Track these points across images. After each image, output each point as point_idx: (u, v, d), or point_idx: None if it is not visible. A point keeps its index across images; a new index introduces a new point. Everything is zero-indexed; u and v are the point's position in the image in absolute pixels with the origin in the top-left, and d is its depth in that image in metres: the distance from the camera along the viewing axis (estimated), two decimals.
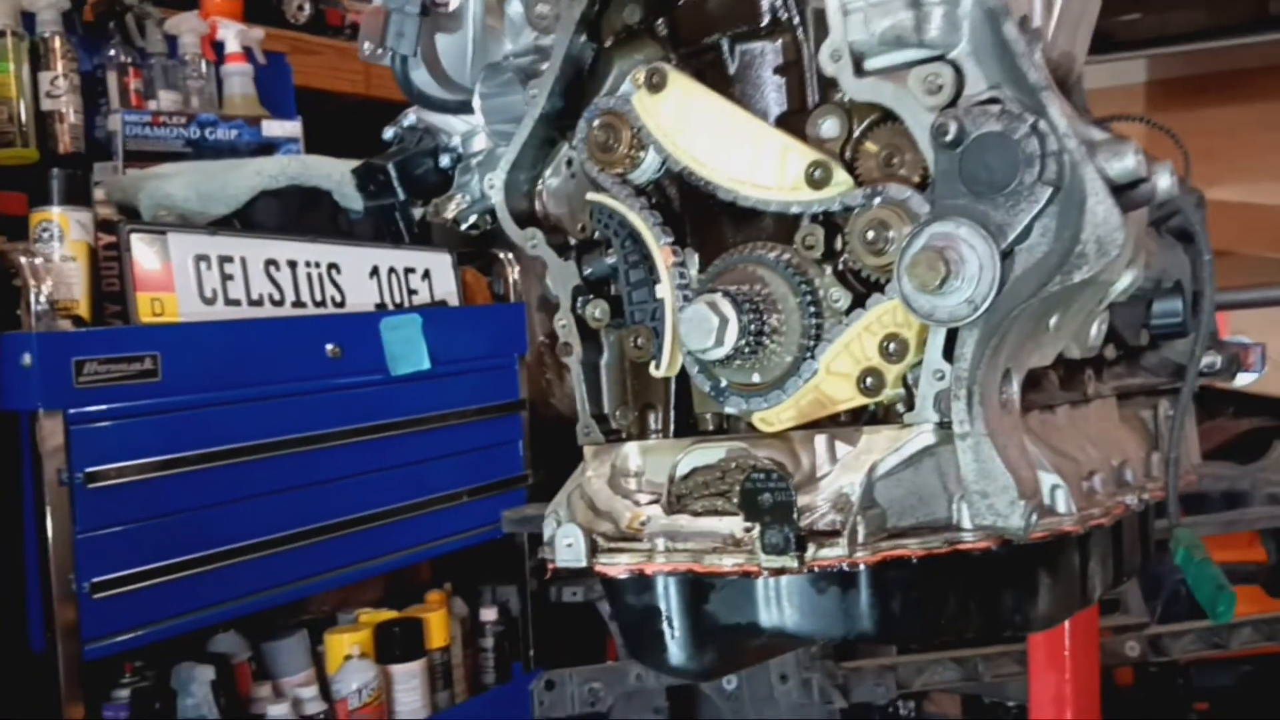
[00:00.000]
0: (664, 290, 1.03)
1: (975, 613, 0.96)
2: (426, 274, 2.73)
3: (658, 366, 1.05)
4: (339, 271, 2.51)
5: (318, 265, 2.47)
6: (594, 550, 0.99)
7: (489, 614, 2.99)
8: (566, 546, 0.99)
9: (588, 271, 1.10)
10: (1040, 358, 0.95)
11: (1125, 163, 0.81)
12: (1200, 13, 3.80)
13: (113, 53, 2.75)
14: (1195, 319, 1.25)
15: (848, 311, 0.94)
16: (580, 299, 1.10)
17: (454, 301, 2.81)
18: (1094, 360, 1.14)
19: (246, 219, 2.47)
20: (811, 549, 0.88)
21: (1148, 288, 1.19)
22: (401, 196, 1.22)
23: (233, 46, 2.93)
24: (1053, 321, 0.93)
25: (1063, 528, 0.94)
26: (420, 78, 1.20)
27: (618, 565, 0.98)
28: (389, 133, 1.27)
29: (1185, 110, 3.93)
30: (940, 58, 0.87)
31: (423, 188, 1.23)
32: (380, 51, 1.16)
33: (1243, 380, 1.36)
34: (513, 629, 3.04)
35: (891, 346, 0.92)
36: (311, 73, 3.34)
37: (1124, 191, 0.83)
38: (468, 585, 3.09)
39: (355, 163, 1.28)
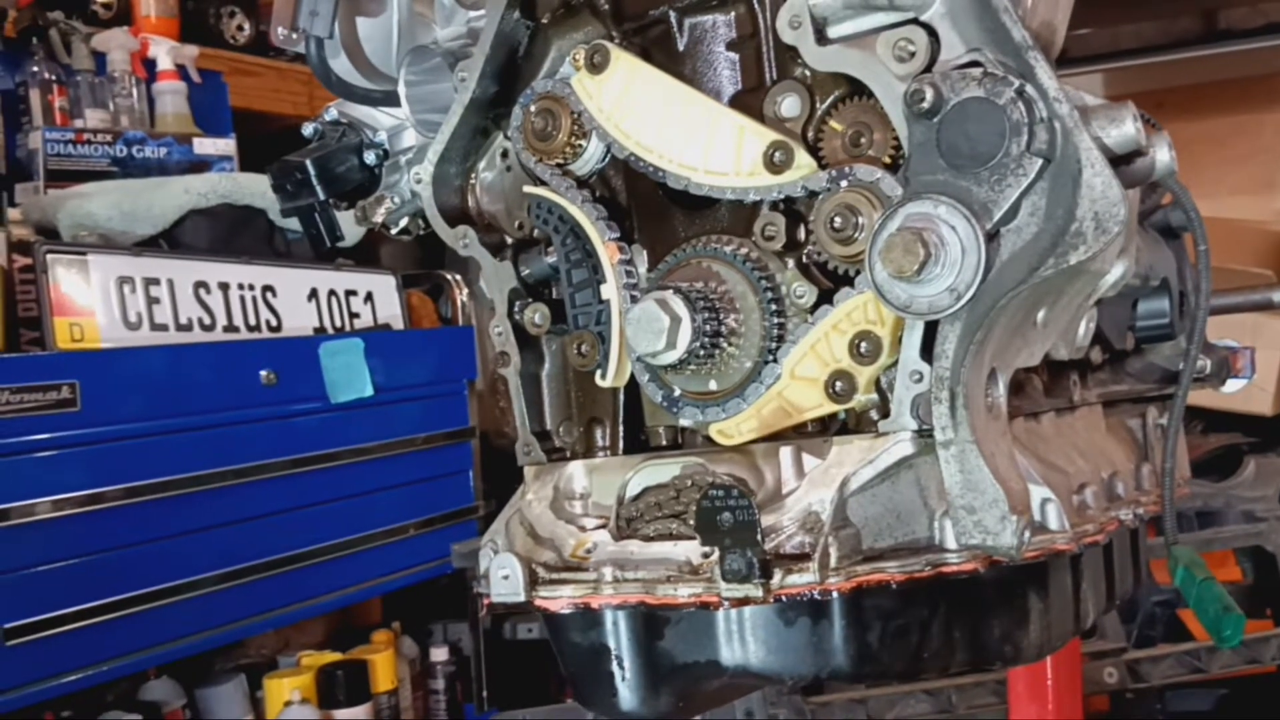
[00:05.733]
0: (609, 291, 0.94)
1: (961, 644, 0.87)
2: (369, 297, 2.62)
3: (604, 376, 0.96)
4: (274, 294, 2.39)
5: (251, 288, 2.35)
6: (534, 582, 0.89)
7: (440, 654, 2.89)
8: (502, 579, 0.89)
9: (526, 272, 1.01)
10: (1027, 357, 0.86)
11: (1125, 129, 0.72)
12: (1150, 26, 3.82)
13: (36, 69, 2.64)
14: (1183, 320, 1.17)
15: (813, 308, 0.86)
16: (518, 303, 1.01)
17: (398, 325, 2.71)
18: (1080, 364, 1.06)
19: (174, 239, 2.35)
20: (778, 575, 0.79)
21: (1134, 285, 1.10)
22: (321, 196, 1.11)
23: (165, 64, 2.82)
24: (1040, 316, 0.84)
25: (1056, 546, 0.86)
26: (340, 65, 1.10)
27: (560, 599, 0.87)
28: (308, 129, 1.16)
29: None
30: (912, 20, 0.79)
31: (345, 187, 1.13)
32: (294, 35, 1.06)
33: (1232, 387, 1.27)
34: (465, 669, 2.94)
35: (863, 346, 0.83)
36: (252, 95, 3.24)
37: (1122, 164, 0.74)
38: (417, 623, 2.98)
39: None
